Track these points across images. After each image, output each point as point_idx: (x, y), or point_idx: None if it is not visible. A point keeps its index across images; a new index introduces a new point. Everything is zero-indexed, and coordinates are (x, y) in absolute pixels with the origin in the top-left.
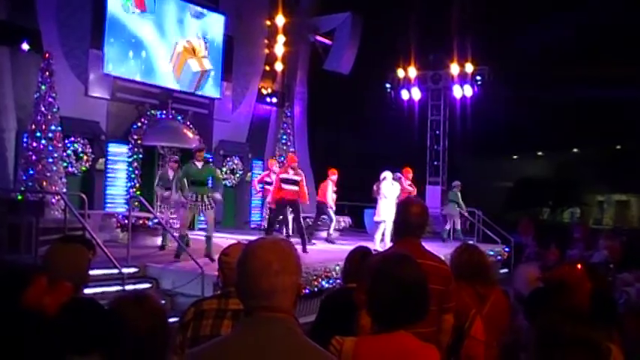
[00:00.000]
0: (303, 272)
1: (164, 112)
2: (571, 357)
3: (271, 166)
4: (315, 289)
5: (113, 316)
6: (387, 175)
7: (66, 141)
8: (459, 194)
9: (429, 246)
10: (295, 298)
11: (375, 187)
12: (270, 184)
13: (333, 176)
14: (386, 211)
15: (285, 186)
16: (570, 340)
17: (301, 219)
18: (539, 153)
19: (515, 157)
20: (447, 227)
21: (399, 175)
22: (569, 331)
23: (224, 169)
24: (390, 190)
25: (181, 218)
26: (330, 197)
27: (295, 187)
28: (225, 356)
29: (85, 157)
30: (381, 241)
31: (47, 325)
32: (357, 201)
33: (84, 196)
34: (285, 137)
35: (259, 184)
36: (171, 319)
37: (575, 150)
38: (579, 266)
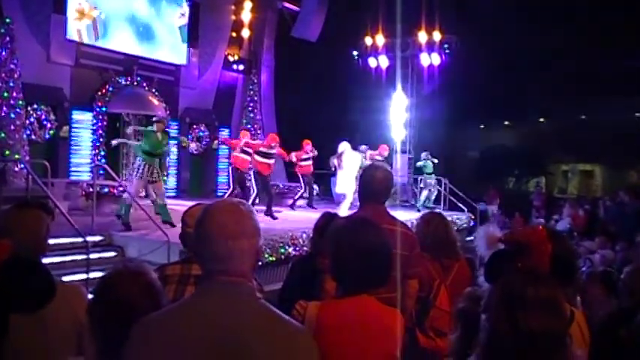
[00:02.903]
0: (269, 240)
1: (129, 78)
2: (534, 317)
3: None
4: (282, 256)
5: (49, 274)
6: (345, 146)
7: (28, 108)
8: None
9: (403, 214)
10: (255, 262)
11: (335, 161)
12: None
13: (307, 146)
14: (346, 183)
15: (262, 159)
16: (533, 300)
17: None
18: (506, 123)
19: (482, 126)
20: (422, 197)
21: (364, 148)
22: (532, 292)
23: (192, 134)
24: (350, 160)
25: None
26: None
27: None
28: (181, 321)
29: (49, 125)
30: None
31: None
32: (325, 169)
33: (47, 164)
34: (251, 105)
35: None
36: None
37: (541, 120)
38: (541, 228)
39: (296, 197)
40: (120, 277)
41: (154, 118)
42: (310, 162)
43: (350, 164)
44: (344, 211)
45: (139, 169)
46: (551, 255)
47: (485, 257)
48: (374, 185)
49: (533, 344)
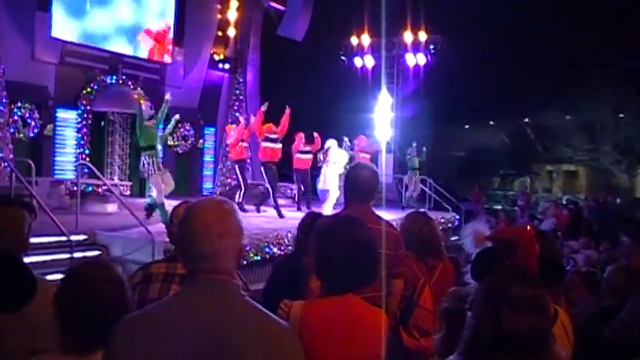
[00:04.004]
0: (254, 239)
1: (114, 77)
2: (518, 316)
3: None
4: (267, 256)
5: (30, 273)
6: (331, 143)
7: (12, 106)
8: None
9: (388, 214)
10: (238, 260)
11: (321, 157)
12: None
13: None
14: (330, 179)
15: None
16: (518, 299)
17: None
18: (491, 122)
19: (467, 126)
20: (407, 194)
21: (347, 144)
22: (517, 290)
23: (178, 133)
24: (336, 157)
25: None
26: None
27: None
28: (167, 319)
29: (33, 123)
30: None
31: None
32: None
33: (31, 162)
34: (237, 104)
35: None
36: None
37: (526, 120)
38: (529, 228)
39: (296, 199)
40: (84, 270)
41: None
42: (309, 156)
43: (336, 161)
44: (328, 209)
45: (148, 165)
46: (538, 255)
47: (472, 255)
48: (359, 184)
49: (515, 343)
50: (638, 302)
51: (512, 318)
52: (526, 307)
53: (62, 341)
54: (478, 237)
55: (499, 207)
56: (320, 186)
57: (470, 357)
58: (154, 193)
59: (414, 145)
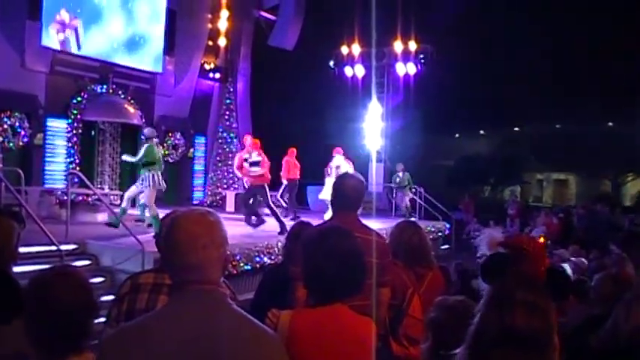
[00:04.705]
0: (245, 248)
1: (105, 86)
2: (519, 316)
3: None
4: (257, 265)
5: (17, 284)
6: (340, 160)
7: (2, 115)
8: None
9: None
10: (223, 269)
11: (329, 170)
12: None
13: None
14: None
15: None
16: (521, 301)
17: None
18: (481, 132)
19: (457, 135)
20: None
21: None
22: (521, 294)
23: (168, 142)
24: (345, 168)
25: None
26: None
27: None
28: (156, 331)
29: (23, 132)
30: None
31: None
32: (300, 178)
33: (21, 171)
34: (227, 113)
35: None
36: (112, 296)
37: (516, 129)
38: (542, 239)
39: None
40: (50, 278)
41: (145, 131)
42: (259, 169)
43: (345, 169)
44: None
45: (148, 179)
46: (548, 268)
47: (483, 257)
48: (345, 193)
49: (516, 341)
50: (623, 309)
51: (513, 317)
52: (527, 308)
53: (38, 353)
54: (492, 242)
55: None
56: (320, 196)
57: (474, 351)
58: (146, 211)
59: (402, 166)
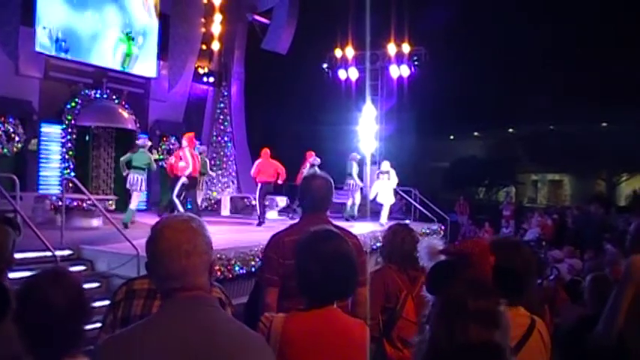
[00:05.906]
0: (239, 252)
1: (99, 91)
2: (471, 329)
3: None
4: (253, 269)
5: (3, 287)
6: (387, 164)
7: None
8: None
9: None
10: (210, 274)
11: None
12: None
13: (311, 158)
14: (385, 192)
15: None
16: (472, 312)
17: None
18: (476, 133)
19: (451, 137)
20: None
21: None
22: (471, 303)
23: (163, 147)
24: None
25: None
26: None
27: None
28: (148, 338)
29: (17, 138)
30: None
31: None
32: (294, 181)
33: (15, 177)
34: (222, 117)
35: None
36: (107, 302)
37: (510, 130)
38: (483, 240)
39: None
40: (41, 279)
41: (140, 142)
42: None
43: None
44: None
45: (136, 182)
46: (494, 267)
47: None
48: (313, 194)
49: (468, 353)
50: (612, 308)
51: (465, 330)
52: (478, 318)
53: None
54: (432, 250)
55: (484, 217)
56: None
57: None
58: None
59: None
